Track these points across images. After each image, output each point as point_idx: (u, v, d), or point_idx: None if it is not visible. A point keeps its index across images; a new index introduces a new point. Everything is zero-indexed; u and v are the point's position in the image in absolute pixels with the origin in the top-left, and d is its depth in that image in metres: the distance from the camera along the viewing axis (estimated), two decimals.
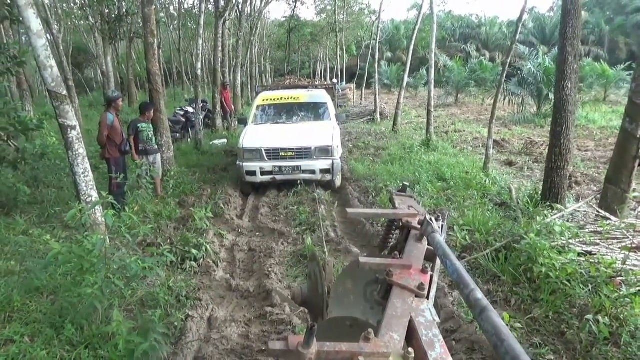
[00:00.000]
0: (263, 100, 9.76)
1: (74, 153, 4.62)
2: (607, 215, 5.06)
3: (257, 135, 8.28)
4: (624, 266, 3.80)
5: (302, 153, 7.77)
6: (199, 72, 11.87)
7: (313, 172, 7.75)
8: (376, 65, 19.01)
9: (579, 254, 4.26)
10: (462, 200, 6.52)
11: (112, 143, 6.61)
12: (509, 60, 8.97)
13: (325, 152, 7.77)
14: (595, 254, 4.20)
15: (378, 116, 17.86)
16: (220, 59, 14.32)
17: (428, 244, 2.15)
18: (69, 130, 4.56)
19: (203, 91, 12.86)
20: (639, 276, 3.70)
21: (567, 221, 5.14)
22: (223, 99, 14.64)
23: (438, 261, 2.17)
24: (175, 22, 28.84)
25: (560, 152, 5.90)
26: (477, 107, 24.02)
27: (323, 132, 8.22)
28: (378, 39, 20.68)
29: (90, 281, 3.55)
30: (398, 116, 14.78)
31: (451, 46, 51.59)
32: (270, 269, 4.71)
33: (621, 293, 3.45)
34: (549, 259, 4.01)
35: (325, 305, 2.06)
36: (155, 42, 7.97)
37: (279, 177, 7.84)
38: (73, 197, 7.21)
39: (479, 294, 1.32)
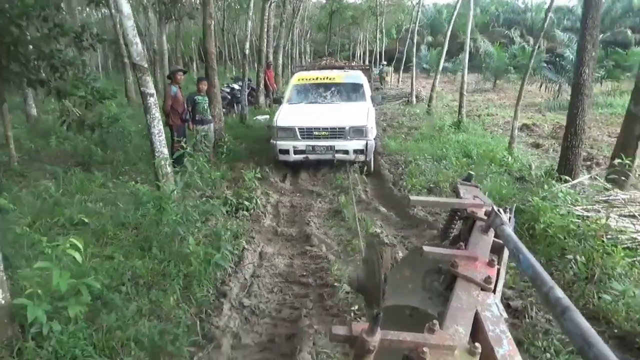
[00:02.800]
0: (299, 79, 9.73)
1: (151, 116, 5.57)
2: (612, 187, 5.66)
3: (291, 114, 8.28)
4: (608, 223, 4.44)
5: (336, 133, 7.72)
6: (247, 51, 12.77)
7: (346, 152, 7.68)
8: (414, 49, 19.43)
9: (579, 217, 4.91)
10: (484, 173, 7.17)
11: (175, 112, 7.60)
12: (542, 47, 9.39)
13: (360, 132, 7.68)
14: (591, 217, 4.85)
15: (414, 98, 18.38)
16: (265, 40, 15.16)
17: (494, 236, 2.13)
18: (148, 97, 5.51)
19: (243, 71, 13.73)
20: (620, 233, 4.36)
21: (578, 193, 5.77)
22: (266, 78, 15.52)
23: (505, 254, 2.17)
24: (220, 2, 29.82)
25: (576, 131, 6.47)
26: (515, 93, 23.98)
27: (358, 113, 8.15)
28: (417, 23, 20.99)
29: (169, 216, 4.52)
30: (433, 99, 15.32)
31: (494, 31, 50.54)
32: (309, 220, 5.60)
33: (602, 243, 4.12)
34: (550, 218, 4.69)
35: (382, 293, 1.96)
36: (212, 24, 8.86)
37: (312, 157, 7.79)
38: (138, 159, 8.32)
39: (560, 292, 1.26)
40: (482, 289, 1.66)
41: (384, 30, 33.24)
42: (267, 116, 13.65)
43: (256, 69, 15.81)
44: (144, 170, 7.49)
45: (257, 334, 3.41)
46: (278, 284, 4.18)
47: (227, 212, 5.60)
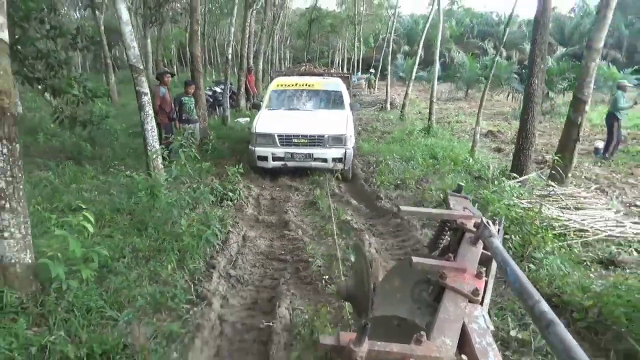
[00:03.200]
0: (277, 85, 9.63)
1: (145, 113, 6.12)
2: (553, 184, 6.46)
3: (270, 120, 8.25)
4: (542, 211, 5.20)
5: (315, 141, 7.74)
6: (230, 56, 13.35)
7: (325, 160, 7.72)
8: (389, 58, 20.30)
9: (522, 208, 5.66)
10: (446, 172, 7.92)
11: (163, 111, 8.14)
12: (514, 59, 10.25)
13: (339, 140, 7.73)
14: (531, 207, 5.61)
15: (388, 105, 19.22)
16: (246, 46, 15.76)
17: (483, 248, 2.15)
18: (142, 95, 6.06)
19: (225, 75, 14.31)
20: (554, 220, 5.13)
21: (523, 188, 6.55)
22: (247, 82, 16.11)
23: (493, 266, 2.18)
24: (201, 7, 30.30)
25: (527, 135, 7.28)
26: (486, 103, 25.20)
27: (337, 121, 8.18)
28: (393, 33, 21.93)
29: (162, 201, 5.09)
30: (405, 105, 16.18)
31: (469, 42, 52.21)
32: (287, 209, 6.23)
33: (537, 227, 4.86)
34: (497, 207, 5.42)
35: (370, 303, 2.02)
36: (199, 29, 9.43)
37: (290, 164, 7.83)
38: (126, 155, 8.80)
39: (545, 306, 1.27)
40: (469, 301, 1.68)
41: (361, 39, 34.16)
42: (248, 119, 14.22)
43: (237, 73, 16.38)
44: (132, 165, 7.95)
45: (242, 297, 4.01)
46: (260, 260, 4.79)
47: (212, 201, 6.16)
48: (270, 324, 3.41)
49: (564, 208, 5.86)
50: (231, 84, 16.26)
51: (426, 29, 16.09)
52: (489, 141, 12.59)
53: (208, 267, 4.35)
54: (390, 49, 20.36)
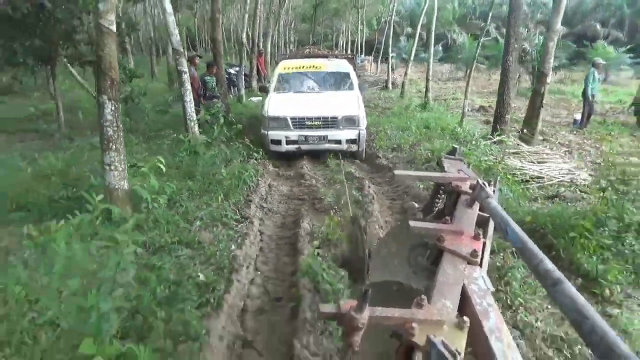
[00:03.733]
0: (284, 68, 9.57)
1: (185, 89, 7.48)
2: (522, 144, 7.79)
3: (282, 103, 8.22)
4: (505, 161, 6.54)
5: (329, 122, 7.76)
6: (244, 40, 14.63)
7: (339, 142, 7.76)
8: (390, 40, 21.44)
9: (492, 161, 7.01)
10: (435, 137, 9.25)
11: (192, 88, 9.47)
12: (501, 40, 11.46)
13: (352, 122, 7.77)
14: (499, 160, 6.96)
15: (390, 85, 20.44)
16: (257, 30, 17.01)
17: (480, 210, 2.15)
18: (182, 74, 7.41)
19: (240, 57, 15.59)
20: (518, 170, 6.49)
21: (502, 149, 7.88)
22: (258, 64, 17.39)
23: (490, 227, 2.19)
24: None
25: (503, 105, 8.61)
26: (484, 82, 26.35)
27: (349, 102, 8.21)
28: (394, 15, 23.00)
29: (205, 156, 6.48)
30: (405, 84, 17.40)
31: (471, 23, 52.77)
32: (302, 166, 7.60)
33: (500, 172, 6.21)
34: (471, 160, 6.77)
35: (366, 268, 2.02)
36: (220, 17, 10.69)
37: (304, 147, 7.83)
38: (160, 128, 10.17)
39: (550, 264, 1.26)
40: (468, 263, 1.69)
41: (364, 22, 35.11)
42: (260, 98, 15.54)
43: (249, 56, 17.63)
44: (167, 135, 9.35)
45: (273, 221, 5.42)
46: (284, 199, 6.20)
47: (241, 160, 7.54)
48: (297, 230, 4.81)
49: (528, 162, 7.20)
50: (245, 66, 17.58)
51: (423, 11, 17.19)
52: (480, 115, 13.87)
53: (246, 201, 5.75)
54: (391, 32, 21.46)
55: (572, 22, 43.86)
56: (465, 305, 1.48)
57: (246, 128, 10.65)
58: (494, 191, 2.28)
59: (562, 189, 6.30)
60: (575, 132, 11.12)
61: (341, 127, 7.76)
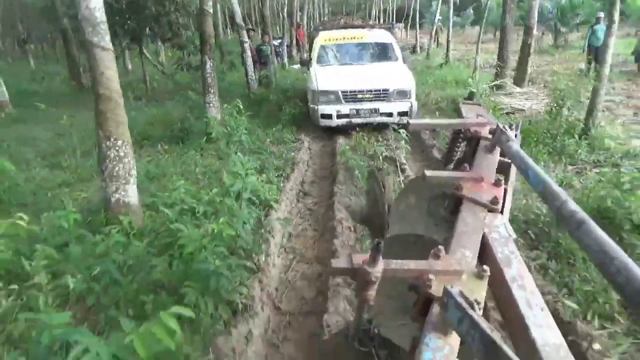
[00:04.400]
0: (325, 40, 9.36)
1: (246, 54, 9.76)
2: (514, 86, 9.69)
3: (330, 76, 8.09)
4: (495, 98, 8.51)
5: (381, 95, 7.65)
6: (285, 15, 16.75)
7: (390, 114, 7.64)
8: (417, 7, 23.00)
9: (486, 98, 8.96)
10: (447, 87, 11.19)
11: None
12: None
13: (404, 94, 7.69)
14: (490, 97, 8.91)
15: (418, 49, 22.12)
16: (295, 3, 19.10)
17: (500, 155, 2.10)
18: (244, 43, 9.68)
19: (283, 30, 17.81)
20: (505, 105, 8.46)
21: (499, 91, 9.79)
22: (297, 36, 19.48)
23: (512, 173, 2.15)
24: None
25: (503, 57, 10.45)
26: (512, 44, 27.48)
27: (399, 74, 8.16)
28: None
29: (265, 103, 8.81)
30: (430, 47, 19.10)
31: None
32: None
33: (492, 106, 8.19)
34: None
35: (386, 223, 1.99)
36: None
37: (355, 120, 7.70)
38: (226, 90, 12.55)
39: (574, 205, 1.21)
40: (489, 210, 1.66)
41: None
42: (299, 65, 17.71)
43: (287, 29, 19.77)
44: (234, 90, 11.69)
45: (317, 143, 7.68)
46: (319, 152, 8.41)
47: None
48: (335, 144, 7.06)
49: (517, 99, 9.11)
50: (286, 38, 19.75)
51: None
52: (493, 70, 15.54)
53: (298, 130, 8.02)
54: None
55: None
56: (486, 254, 1.46)
57: (289, 89, 13.01)
58: (515, 135, 2.23)
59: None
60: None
61: (393, 100, 7.68)
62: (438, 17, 19.58)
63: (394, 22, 33.99)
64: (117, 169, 3.65)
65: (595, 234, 1.07)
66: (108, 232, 3.24)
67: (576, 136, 6.22)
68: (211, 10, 6.59)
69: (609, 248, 1.01)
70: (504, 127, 2.01)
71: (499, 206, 1.69)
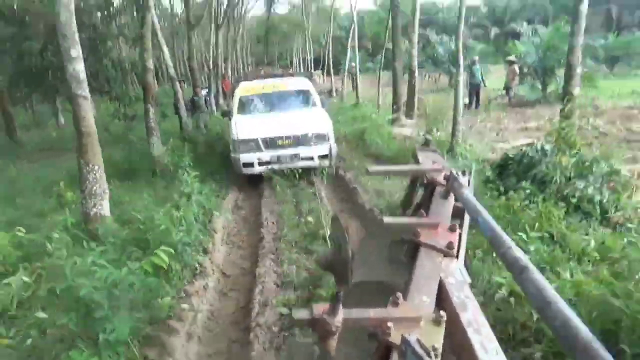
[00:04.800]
0: (245, 91, 9.54)
1: (180, 104, 11.19)
2: (406, 118, 11.88)
3: (250, 125, 8.24)
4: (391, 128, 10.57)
5: (300, 140, 7.80)
6: (211, 67, 18.43)
7: (311, 158, 7.81)
8: (330, 55, 25.76)
9: (382, 129, 10.98)
10: (359, 124, 13.21)
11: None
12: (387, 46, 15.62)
13: (322, 138, 7.89)
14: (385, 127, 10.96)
15: (334, 92, 24.62)
16: (219, 57, 20.88)
17: (455, 201, 2.17)
18: (177, 93, 11.14)
19: (209, 81, 19.49)
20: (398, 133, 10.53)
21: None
22: (223, 86, 21.18)
23: (467, 218, 2.20)
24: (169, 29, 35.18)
25: (396, 93, 12.71)
26: (423, 86, 30.73)
27: (317, 119, 8.40)
28: (342, 30, 27.12)
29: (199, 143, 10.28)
30: (343, 90, 21.59)
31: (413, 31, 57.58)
32: None
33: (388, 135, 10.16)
34: (375, 135, 10.70)
35: (350, 271, 1.97)
36: (195, 50, 14.45)
37: (277, 166, 7.74)
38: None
39: (518, 252, 1.27)
40: (445, 255, 1.72)
41: (310, 40, 39.34)
42: None
43: (213, 79, 21.44)
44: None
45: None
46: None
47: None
48: None
49: (406, 128, 11.22)
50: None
51: (355, 25, 21.36)
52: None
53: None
54: (330, 48, 25.69)
55: (503, 21, 48.73)
56: (443, 298, 1.49)
57: (220, 132, 14.54)
58: (468, 181, 2.29)
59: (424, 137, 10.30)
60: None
61: (312, 144, 7.85)
62: (352, 63, 21.91)
63: (312, 69, 36.86)
64: (94, 188, 4.95)
65: (535, 280, 1.13)
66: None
67: (444, 151, 8.23)
68: (152, 67, 8.06)
69: (547, 293, 1.07)
70: (457, 173, 2.18)
71: (454, 251, 1.77)
